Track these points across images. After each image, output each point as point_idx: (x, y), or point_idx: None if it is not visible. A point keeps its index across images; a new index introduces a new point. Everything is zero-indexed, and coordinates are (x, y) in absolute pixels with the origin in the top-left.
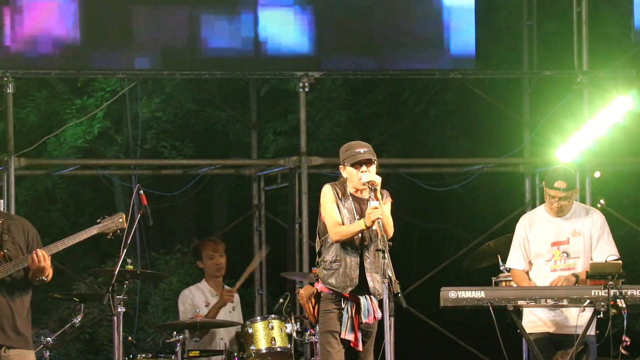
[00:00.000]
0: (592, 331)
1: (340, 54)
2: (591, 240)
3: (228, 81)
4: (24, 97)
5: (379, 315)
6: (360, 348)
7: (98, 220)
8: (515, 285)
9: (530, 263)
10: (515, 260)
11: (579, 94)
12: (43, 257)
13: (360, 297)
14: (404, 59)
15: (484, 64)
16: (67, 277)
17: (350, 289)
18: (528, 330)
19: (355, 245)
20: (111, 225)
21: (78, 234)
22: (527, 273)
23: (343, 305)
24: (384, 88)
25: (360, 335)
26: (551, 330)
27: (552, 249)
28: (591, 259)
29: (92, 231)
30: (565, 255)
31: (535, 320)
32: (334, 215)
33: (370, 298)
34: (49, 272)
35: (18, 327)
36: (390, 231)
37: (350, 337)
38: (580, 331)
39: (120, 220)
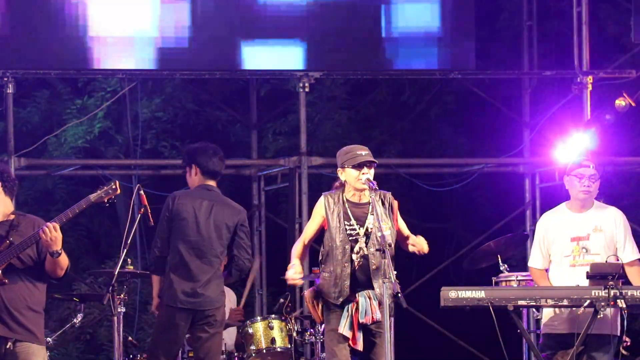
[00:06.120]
0: (615, 331)
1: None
2: (614, 239)
3: (228, 81)
4: (25, 97)
5: (377, 316)
6: (359, 347)
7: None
8: (516, 285)
9: (550, 261)
10: (534, 259)
11: (578, 94)
12: (53, 228)
13: (359, 296)
14: (404, 58)
15: (484, 64)
16: (67, 277)
17: (341, 299)
18: (552, 330)
19: (346, 255)
20: (103, 194)
21: (74, 207)
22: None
23: (344, 304)
24: (384, 88)
25: (359, 335)
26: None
27: (571, 244)
28: (619, 259)
29: (88, 201)
30: (584, 250)
31: (561, 317)
32: (307, 232)
33: (370, 298)
34: (59, 245)
35: (24, 320)
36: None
37: (347, 333)
38: (613, 331)
39: (114, 187)
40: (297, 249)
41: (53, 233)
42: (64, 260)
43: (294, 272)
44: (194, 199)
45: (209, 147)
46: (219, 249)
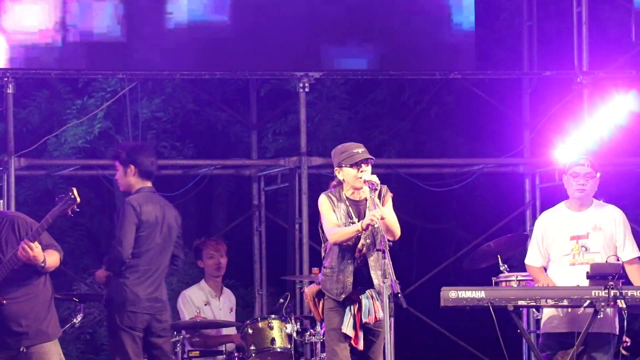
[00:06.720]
0: (614, 330)
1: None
2: (614, 238)
3: (227, 81)
4: (25, 97)
5: (380, 315)
6: (360, 347)
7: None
8: (516, 285)
9: (549, 259)
10: (532, 257)
11: (579, 94)
12: (29, 247)
13: (362, 296)
14: (404, 58)
15: (484, 64)
16: (67, 277)
17: (344, 296)
18: (552, 329)
19: (351, 252)
20: (65, 206)
21: (42, 222)
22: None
23: (346, 304)
24: (384, 88)
25: (361, 334)
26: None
27: (570, 243)
28: (618, 258)
29: (53, 215)
30: (584, 249)
31: (561, 317)
32: (332, 219)
33: (373, 298)
34: (42, 258)
35: (32, 324)
36: (397, 230)
37: (350, 333)
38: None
39: (72, 197)
40: (338, 228)
41: (31, 253)
42: (53, 263)
43: (376, 211)
44: (154, 205)
45: (148, 146)
46: (171, 252)
